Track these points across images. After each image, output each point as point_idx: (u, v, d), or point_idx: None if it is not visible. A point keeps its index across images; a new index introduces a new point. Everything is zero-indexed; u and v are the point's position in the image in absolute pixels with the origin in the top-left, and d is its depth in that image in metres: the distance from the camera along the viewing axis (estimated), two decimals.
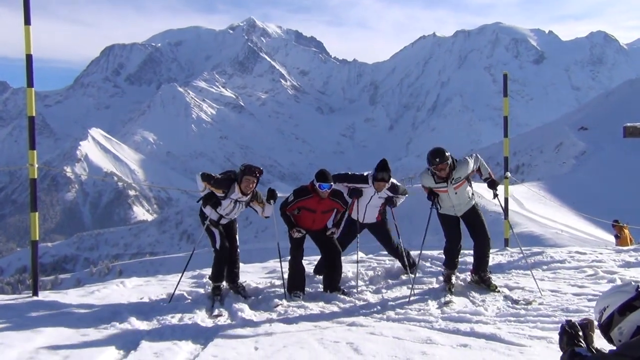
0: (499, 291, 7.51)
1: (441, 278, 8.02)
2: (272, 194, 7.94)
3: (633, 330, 3.05)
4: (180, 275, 8.38)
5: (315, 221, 7.88)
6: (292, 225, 7.85)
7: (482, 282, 7.75)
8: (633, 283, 3.34)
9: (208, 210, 7.76)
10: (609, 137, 75.34)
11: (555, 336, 5.45)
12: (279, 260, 8.47)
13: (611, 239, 21.29)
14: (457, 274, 8.15)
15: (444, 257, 8.06)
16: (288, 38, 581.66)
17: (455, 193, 7.44)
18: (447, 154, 7.22)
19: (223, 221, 7.88)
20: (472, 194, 7.71)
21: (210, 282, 7.89)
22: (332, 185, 7.66)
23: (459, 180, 7.39)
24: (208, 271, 8.32)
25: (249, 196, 7.65)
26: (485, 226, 7.71)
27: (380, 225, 8.57)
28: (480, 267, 7.75)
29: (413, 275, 8.05)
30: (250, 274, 9.49)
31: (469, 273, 8.08)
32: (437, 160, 7.19)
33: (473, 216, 7.70)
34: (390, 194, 8.28)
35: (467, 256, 8.74)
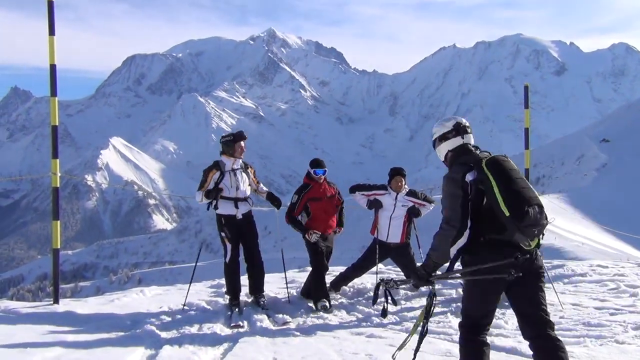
0: None
1: (460, 290, 7.96)
2: (274, 200, 7.96)
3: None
4: (188, 284, 8.28)
5: (326, 210, 7.87)
6: (305, 230, 7.85)
7: None
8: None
9: (222, 208, 7.59)
10: (631, 149, 74.74)
11: (576, 351, 5.40)
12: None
13: (633, 252, 21.06)
14: None
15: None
16: (308, 49, 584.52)
17: None
18: None
19: (241, 211, 7.60)
20: None
21: (227, 296, 7.83)
22: (325, 170, 7.90)
23: None
24: None
25: (240, 160, 7.65)
26: None
27: (404, 249, 8.39)
28: None
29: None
30: (269, 284, 9.44)
31: None
32: None
33: None
34: (412, 200, 8.25)
35: None
